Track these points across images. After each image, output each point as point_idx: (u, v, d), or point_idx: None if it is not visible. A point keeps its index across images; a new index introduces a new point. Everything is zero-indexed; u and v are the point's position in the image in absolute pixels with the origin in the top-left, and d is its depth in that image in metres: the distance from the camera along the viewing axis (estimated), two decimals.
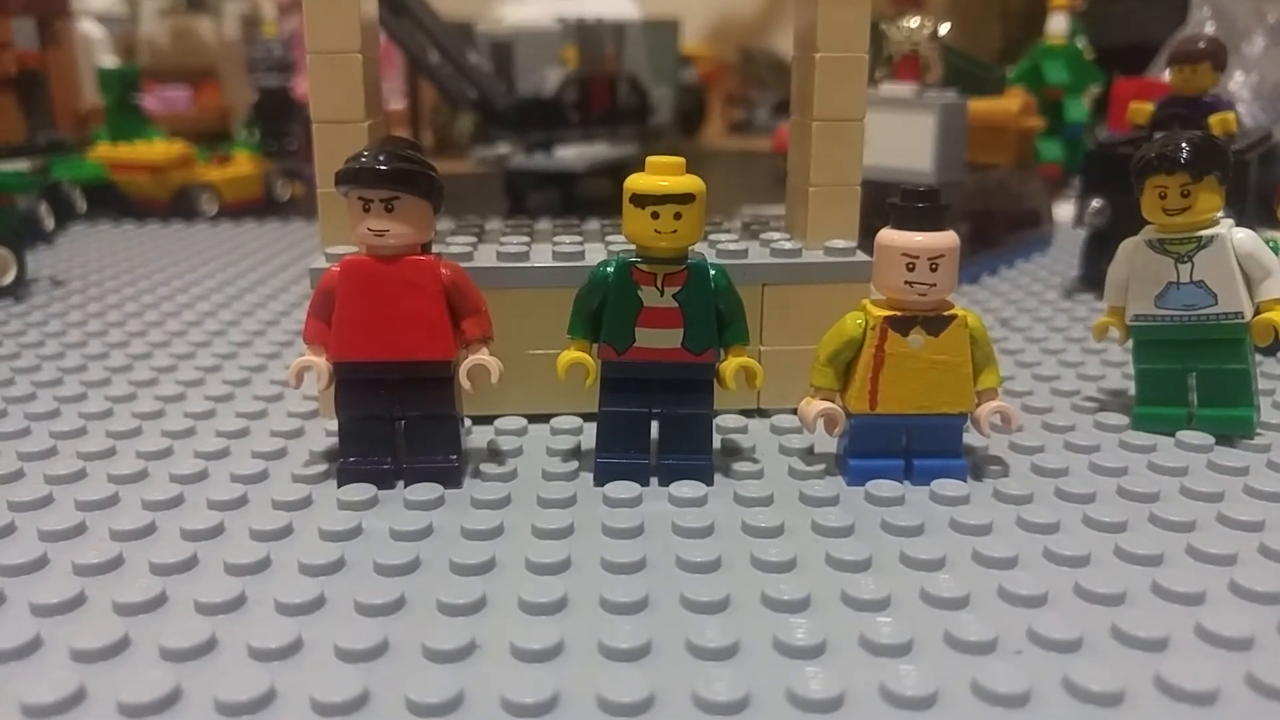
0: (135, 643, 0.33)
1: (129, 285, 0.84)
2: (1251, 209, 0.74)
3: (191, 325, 0.71)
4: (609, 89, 1.31)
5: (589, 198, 1.21)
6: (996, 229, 0.90)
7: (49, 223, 1.00)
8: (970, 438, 0.46)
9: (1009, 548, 0.38)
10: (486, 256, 0.53)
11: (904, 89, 0.86)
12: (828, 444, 0.48)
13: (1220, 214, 0.48)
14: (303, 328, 0.45)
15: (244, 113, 1.62)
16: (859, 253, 0.53)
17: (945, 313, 0.43)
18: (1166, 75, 0.79)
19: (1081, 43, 1.34)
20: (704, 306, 0.44)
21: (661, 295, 0.43)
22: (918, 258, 0.42)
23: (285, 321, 0.73)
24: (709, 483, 0.44)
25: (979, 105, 0.96)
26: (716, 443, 0.48)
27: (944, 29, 0.87)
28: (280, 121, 1.37)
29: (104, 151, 1.18)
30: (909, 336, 0.43)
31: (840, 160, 0.53)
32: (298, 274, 0.88)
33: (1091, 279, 0.79)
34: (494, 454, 0.48)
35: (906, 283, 0.42)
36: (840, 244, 0.53)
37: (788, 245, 0.53)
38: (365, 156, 0.41)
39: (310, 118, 0.50)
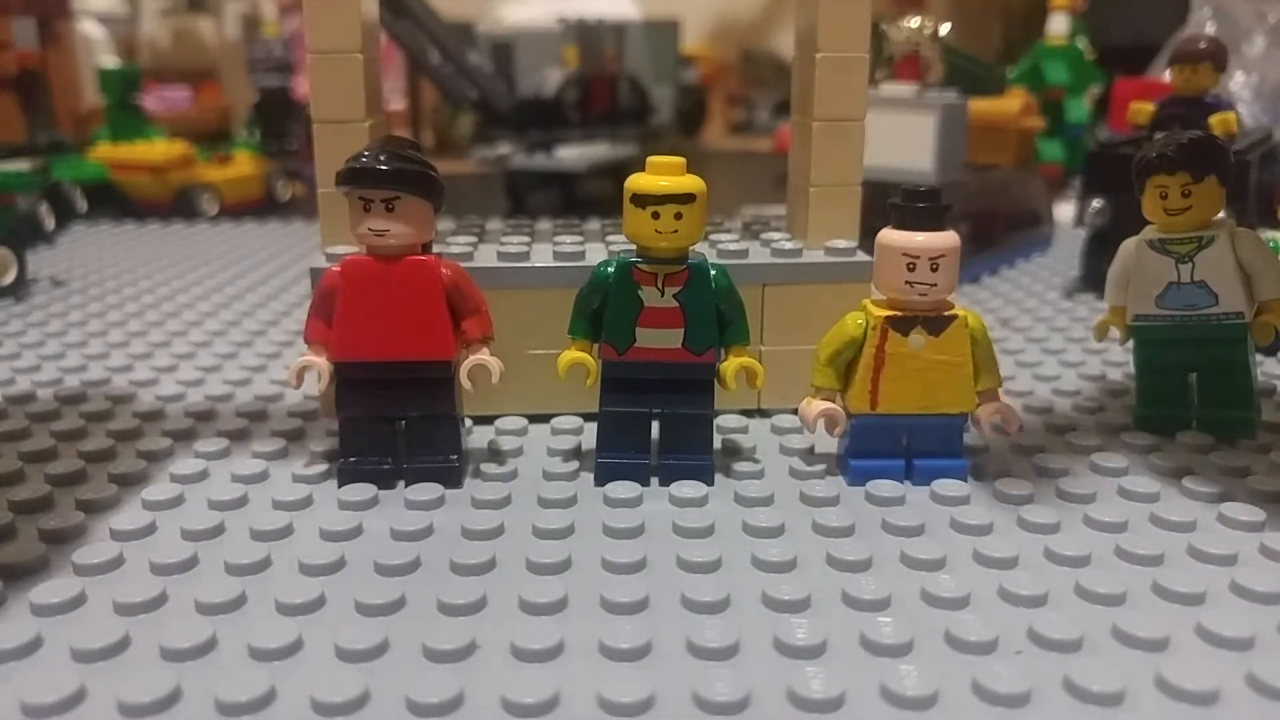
0: (135, 643, 0.33)
1: (129, 285, 0.84)
2: (1252, 209, 0.74)
3: (192, 325, 0.71)
4: (609, 89, 1.31)
5: (589, 198, 1.21)
6: (997, 229, 0.90)
7: (49, 223, 1.00)
8: (970, 438, 0.46)
9: (1009, 548, 0.38)
10: (487, 256, 0.53)
11: (904, 89, 0.86)
12: (828, 444, 0.48)
13: (1221, 214, 0.48)
14: (303, 327, 0.45)
15: (244, 113, 1.62)
16: (859, 253, 0.53)
17: (946, 313, 0.43)
18: (1167, 75, 0.79)
19: (1082, 43, 1.34)
20: (705, 306, 0.44)
21: (662, 295, 0.43)
22: (918, 258, 0.42)
23: (285, 321, 0.73)
24: (709, 483, 0.44)
25: (979, 105, 0.96)
26: (717, 443, 0.48)
27: (944, 29, 0.87)
28: (281, 122, 1.37)
29: (104, 151, 1.18)
30: (909, 336, 0.43)
31: (840, 160, 0.53)
32: (298, 274, 0.88)
33: (1092, 279, 0.79)
34: (494, 454, 0.48)
35: (907, 283, 0.42)
36: (841, 244, 0.53)
37: (788, 245, 0.53)
38: (365, 156, 0.41)
39: (311, 118, 0.50)
